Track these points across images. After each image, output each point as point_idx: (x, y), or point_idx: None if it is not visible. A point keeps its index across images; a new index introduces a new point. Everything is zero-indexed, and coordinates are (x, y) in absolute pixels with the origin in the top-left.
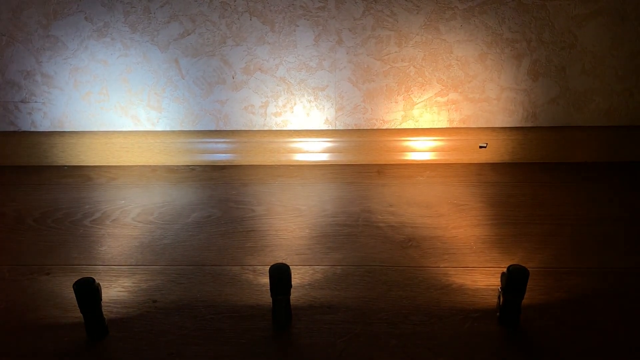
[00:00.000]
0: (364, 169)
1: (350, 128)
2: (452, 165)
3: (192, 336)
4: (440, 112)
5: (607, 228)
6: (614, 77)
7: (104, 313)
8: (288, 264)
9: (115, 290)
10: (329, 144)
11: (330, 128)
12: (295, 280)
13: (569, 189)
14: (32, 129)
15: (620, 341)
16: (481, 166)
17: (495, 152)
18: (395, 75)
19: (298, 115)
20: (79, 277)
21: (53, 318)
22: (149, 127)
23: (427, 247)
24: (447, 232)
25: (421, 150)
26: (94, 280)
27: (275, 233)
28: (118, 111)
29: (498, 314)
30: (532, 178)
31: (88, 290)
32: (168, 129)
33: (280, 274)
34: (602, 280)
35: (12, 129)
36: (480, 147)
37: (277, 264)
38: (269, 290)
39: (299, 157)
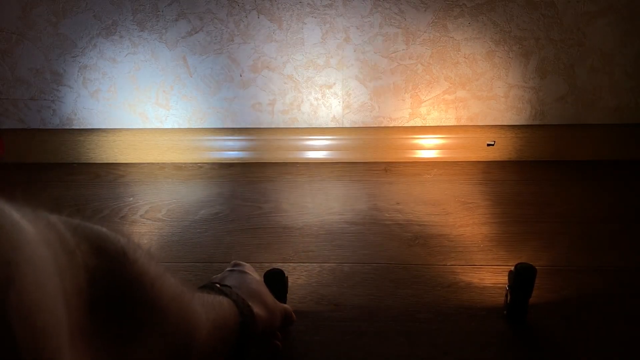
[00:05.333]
0: (371, 167)
1: (357, 126)
2: (459, 163)
3: None
4: (447, 110)
5: (615, 226)
6: (623, 75)
7: None
8: (294, 261)
9: None
10: (336, 142)
11: (337, 126)
12: (302, 277)
13: (577, 187)
14: (41, 127)
15: (628, 340)
16: (489, 164)
17: (503, 150)
18: (402, 73)
19: (305, 113)
20: None
21: None
22: (157, 125)
23: (434, 245)
24: (454, 230)
25: (428, 148)
26: None
27: (282, 230)
28: (126, 109)
29: (505, 312)
30: (539, 176)
31: None
32: (176, 126)
33: (273, 280)
34: (610, 278)
35: (21, 126)
36: (488, 145)
37: (272, 269)
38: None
39: (306, 155)
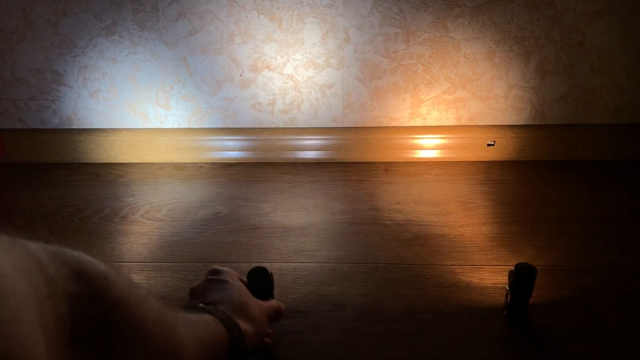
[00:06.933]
0: (371, 167)
1: (357, 126)
2: (459, 163)
3: None
4: (447, 110)
5: (615, 227)
6: (623, 75)
7: None
8: (295, 261)
9: None
10: (336, 142)
11: (337, 126)
12: (302, 277)
13: (577, 187)
14: (41, 127)
15: (628, 340)
16: (489, 164)
17: (503, 150)
18: (402, 73)
19: (305, 113)
20: None
21: None
22: (157, 125)
23: (434, 245)
24: (454, 230)
25: (428, 148)
26: None
27: (282, 230)
28: (126, 109)
29: (505, 312)
30: (540, 176)
31: None
32: (176, 126)
33: (256, 279)
34: (610, 279)
35: (21, 126)
36: (488, 145)
37: (255, 267)
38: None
39: (306, 155)
